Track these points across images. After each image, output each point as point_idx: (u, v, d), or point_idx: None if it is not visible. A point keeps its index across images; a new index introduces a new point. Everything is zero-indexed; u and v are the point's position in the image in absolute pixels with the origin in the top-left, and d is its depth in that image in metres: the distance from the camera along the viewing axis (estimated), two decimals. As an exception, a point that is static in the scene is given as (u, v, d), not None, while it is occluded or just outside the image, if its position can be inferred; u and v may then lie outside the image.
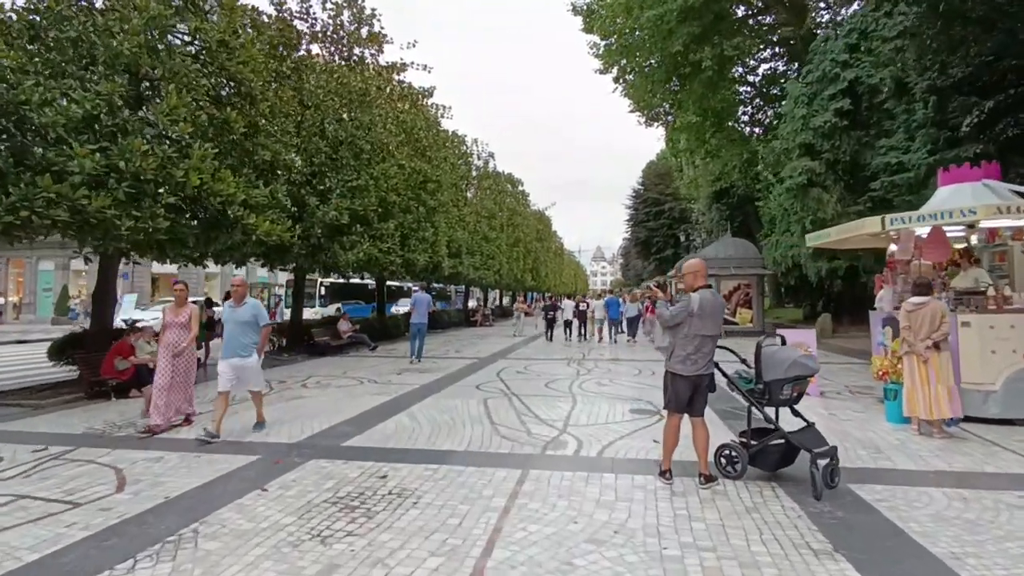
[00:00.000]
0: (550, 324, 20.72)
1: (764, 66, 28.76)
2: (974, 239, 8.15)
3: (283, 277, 28.06)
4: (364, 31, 15.30)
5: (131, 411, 7.26)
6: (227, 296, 7.44)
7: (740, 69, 28.00)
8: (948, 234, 7.56)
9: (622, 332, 19.91)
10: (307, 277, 17.34)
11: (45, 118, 6.85)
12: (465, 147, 26.39)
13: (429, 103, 19.30)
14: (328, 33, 14.74)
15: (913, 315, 6.08)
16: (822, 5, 25.83)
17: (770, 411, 4.52)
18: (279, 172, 11.35)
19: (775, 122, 24.47)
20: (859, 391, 8.69)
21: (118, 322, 11.38)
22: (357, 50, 15.40)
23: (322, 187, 12.80)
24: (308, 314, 20.06)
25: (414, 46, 16.96)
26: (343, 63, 14.93)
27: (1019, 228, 7.57)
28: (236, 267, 13.63)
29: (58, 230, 7.33)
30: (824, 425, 5.58)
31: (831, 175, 17.08)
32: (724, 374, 4.70)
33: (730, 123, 28.52)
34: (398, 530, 3.60)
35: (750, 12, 26.54)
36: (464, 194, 25.29)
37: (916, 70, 11.24)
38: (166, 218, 7.71)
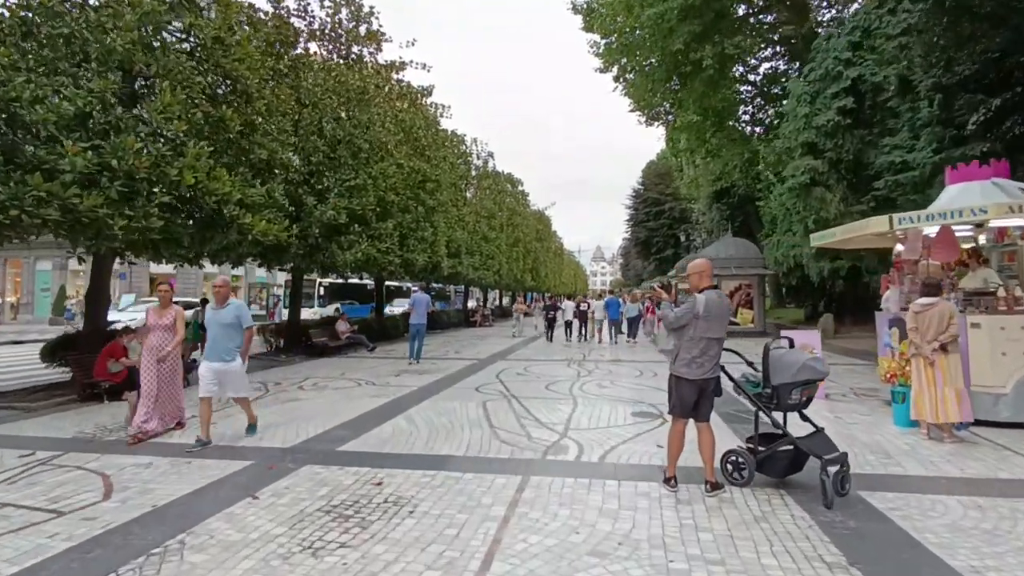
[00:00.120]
0: (550, 324, 20.61)
1: (765, 65, 28.64)
2: (982, 239, 8.01)
3: (282, 277, 27.93)
4: (362, 29, 15.15)
5: (123, 414, 7.08)
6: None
7: (741, 68, 27.85)
8: (956, 234, 7.41)
9: (622, 333, 19.77)
10: (306, 277, 17.22)
11: (36, 115, 6.71)
12: (464, 146, 26.25)
13: (428, 102, 19.16)
14: (326, 31, 14.58)
15: (920, 316, 5.93)
16: (823, 4, 25.71)
17: (778, 416, 4.38)
18: (276, 171, 11.20)
19: (776, 121, 24.34)
20: (864, 393, 8.55)
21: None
22: (355, 48, 15.23)
23: (320, 186, 12.66)
24: (307, 314, 19.94)
25: (413, 45, 16.82)
26: (341, 61, 14.79)
27: (1029, 227, 7.44)
28: (233, 267, 13.47)
29: (49, 229, 7.18)
30: (830, 429, 5.44)
31: (834, 174, 16.93)
32: (730, 377, 4.55)
33: (731, 122, 28.35)
34: (393, 541, 3.46)
35: (751, 11, 26.38)
36: (463, 194, 25.14)
37: (922, 67, 11.08)
38: (160, 217, 7.57)
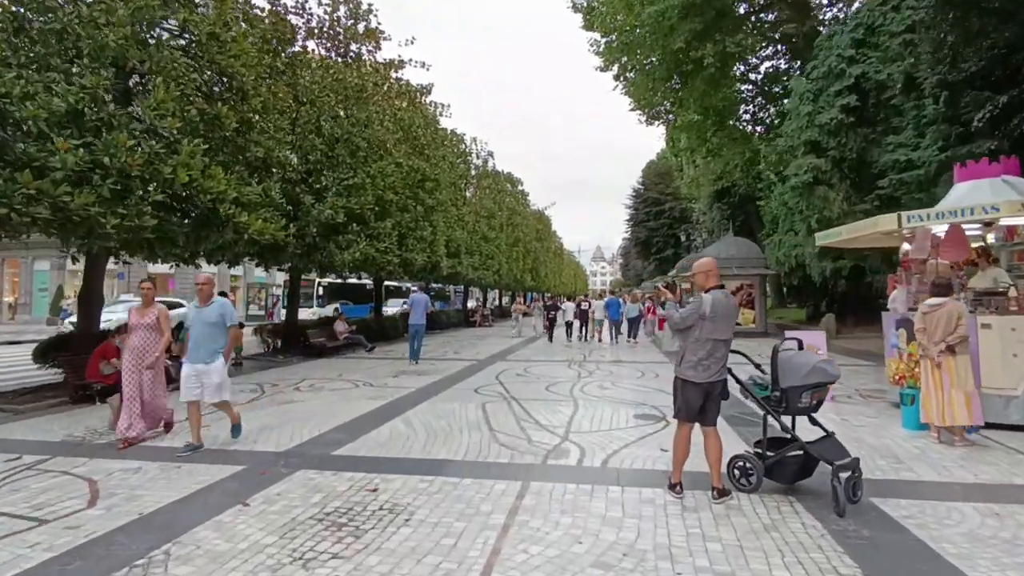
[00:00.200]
0: (551, 324, 20.48)
1: (766, 64, 28.50)
2: (991, 237, 7.87)
3: (281, 277, 27.77)
4: (361, 27, 15.00)
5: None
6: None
7: (742, 67, 27.70)
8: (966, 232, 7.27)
9: (621, 333, 19.65)
10: (305, 277, 17.07)
11: (26, 112, 6.57)
12: (464, 145, 26.10)
13: (427, 101, 19.02)
14: (324, 29, 14.44)
15: (928, 317, 5.79)
16: (825, 2, 25.56)
17: (787, 420, 4.24)
18: (273, 169, 11.06)
19: (777, 121, 24.20)
20: (870, 395, 8.40)
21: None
22: (354, 46, 15.09)
23: (318, 185, 12.52)
24: (306, 314, 19.79)
25: (412, 43, 16.64)
26: (339, 59, 14.64)
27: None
28: (230, 267, 13.31)
29: (39, 228, 7.04)
30: (836, 432, 5.28)
31: (837, 173, 16.78)
32: (737, 380, 4.41)
33: (731, 122, 28.20)
34: (388, 552, 3.31)
35: (752, 9, 26.25)
36: (463, 193, 25.00)
37: (928, 64, 10.92)
38: (153, 216, 7.43)
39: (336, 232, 12.89)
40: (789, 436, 4.20)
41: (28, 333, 21.86)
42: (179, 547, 3.39)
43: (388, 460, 5.21)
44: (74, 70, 7.62)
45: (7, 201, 6.27)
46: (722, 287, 4.25)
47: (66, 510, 3.99)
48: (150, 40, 8.47)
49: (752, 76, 28.76)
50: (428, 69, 16.78)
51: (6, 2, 7.58)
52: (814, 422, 4.31)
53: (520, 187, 36.49)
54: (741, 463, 4.33)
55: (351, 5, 14.66)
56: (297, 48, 13.32)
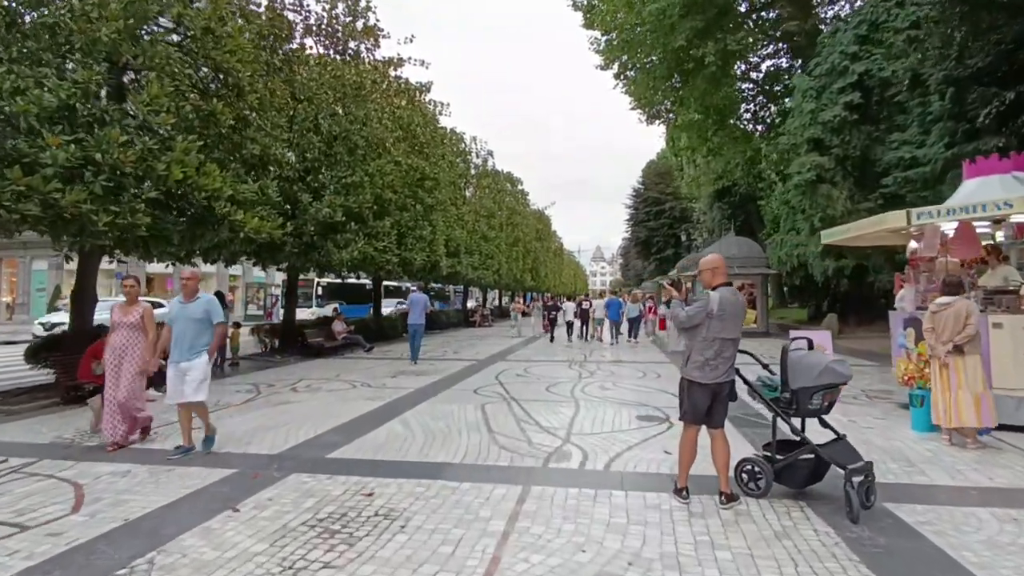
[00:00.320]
0: (551, 324, 20.35)
1: (767, 63, 28.34)
2: (999, 235, 7.72)
3: (280, 277, 27.62)
4: (359, 24, 14.86)
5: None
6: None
7: (743, 66, 27.55)
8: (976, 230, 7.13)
9: (621, 333, 19.51)
10: (304, 277, 16.91)
11: (16, 107, 6.42)
12: (463, 144, 25.95)
13: (427, 99, 18.87)
14: (322, 26, 14.30)
15: (937, 316, 5.63)
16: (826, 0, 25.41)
17: (797, 422, 4.09)
18: (270, 167, 10.91)
19: (778, 120, 24.05)
20: (877, 395, 8.26)
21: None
22: (352, 44, 14.95)
23: (315, 183, 12.37)
24: (304, 314, 19.64)
25: (411, 41, 16.49)
26: (337, 57, 14.50)
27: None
28: (226, 266, 13.16)
29: (29, 225, 6.89)
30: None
31: (840, 171, 16.62)
32: (745, 381, 4.26)
33: (732, 121, 28.04)
34: (382, 561, 3.17)
35: (753, 7, 26.10)
36: (462, 192, 24.85)
37: (934, 60, 10.77)
38: (147, 213, 7.27)
39: (334, 231, 12.74)
40: (799, 439, 4.06)
41: (24, 333, 21.69)
42: (164, 555, 3.24)
43: (385, 463, 5.07)
44: (67, 65, 7.49)
45: (-5, 197, 6.13)
46: (730, 284, 4.11)
47: (48, 516, 3.85)
48: (144, 35, 8.33)
49: (753, 75, 28.62)
50: (427, 67, 16.65)
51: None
52: (824, 424, 4.16)
53: (520, 187, 36.34)
54: (749, 466, 4.18)
55: (349, 2, 14.51)
56: (295, 45, 13.18)
